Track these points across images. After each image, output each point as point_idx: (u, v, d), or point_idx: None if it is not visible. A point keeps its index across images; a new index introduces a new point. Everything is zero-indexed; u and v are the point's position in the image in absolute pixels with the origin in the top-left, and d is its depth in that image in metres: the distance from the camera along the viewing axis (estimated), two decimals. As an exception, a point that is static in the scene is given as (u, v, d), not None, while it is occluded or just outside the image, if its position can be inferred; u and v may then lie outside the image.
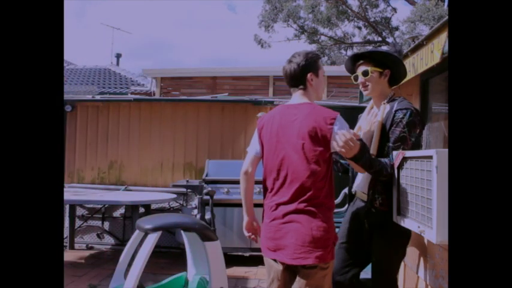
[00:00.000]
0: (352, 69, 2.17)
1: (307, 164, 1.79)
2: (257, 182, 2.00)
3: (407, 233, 2.04)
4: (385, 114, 2.02)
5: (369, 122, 2.01)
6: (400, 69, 2.10)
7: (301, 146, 1.80)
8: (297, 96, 1.93)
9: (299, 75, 1.89)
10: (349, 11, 11.89)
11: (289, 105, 1.94)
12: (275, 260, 1.86)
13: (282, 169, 1.85)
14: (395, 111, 1.97)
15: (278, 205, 1.85)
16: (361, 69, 2.07)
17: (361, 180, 2.13)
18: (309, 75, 1.89)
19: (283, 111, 1.92)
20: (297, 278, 1.83)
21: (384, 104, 2.05)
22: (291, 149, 1.82)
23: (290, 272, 1.86)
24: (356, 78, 2.11)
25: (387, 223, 1.99)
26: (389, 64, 2.06)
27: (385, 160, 1.92)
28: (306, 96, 1.91)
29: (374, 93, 2.10)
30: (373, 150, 1.96)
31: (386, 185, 1.98)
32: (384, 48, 2.28)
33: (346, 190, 3.11)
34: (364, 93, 2.12)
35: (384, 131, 1.98)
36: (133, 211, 4.44)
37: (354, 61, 2.13)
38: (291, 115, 1.87)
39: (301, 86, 1.91)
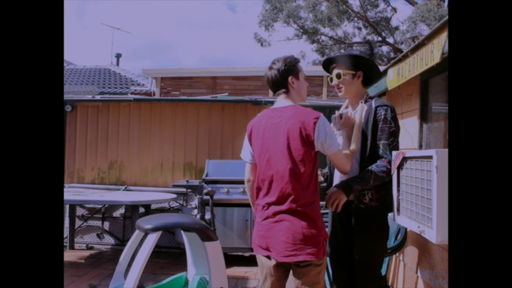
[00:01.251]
0: (329, 71, 2.26)
1: (293, 163, 1.84)
2: None
3: (387, 226, 2.11)
4: (364, 112, 2.09)
5: (345, 122, 2.07)
6: (372, 70, 2.17)
7: (287, 146, 1.86)
8: (281, 100, 1.99)
9: (280, 80, 1.96)
10: (350, 10, 11.88)
11: (274, 108, 2.01)
12: (267, 257, 1.91)
13: (268, 170, 1.92)
14: (376, 108, 2.06)
15: (269, 205, 1.90)
16: (335, 72, 2.16)
17: (339, 180, 2.13)
18: (289, 78, 1.96)
19: (268, 115, 2.00)
20: (293, 278, 1.89)
21: (362, 103, 2.13)
22: (277, 150, 1.89)
23: (283, 269, 1.91)
24: (331, 80, 2.20)
25: (375, 218, 2.04)
26: (361, 66, 2.14)
27: (371, 167, 1.98)
28: (289, 99, 1.98)
29: (349, 94, 2.19)
30: (353, 146, 2.03)
31: None
32: (357, 50, 2.35)
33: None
34: (339, 94, 2.20)
35: (366, 128, 2.05)
36: (133, 211, 4.44)
37: (330, 64, 2.23)
38: (275, 118, 1.94)
39: (283, 90, 1.98)
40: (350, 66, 2.13)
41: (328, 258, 2.20)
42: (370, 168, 1.98)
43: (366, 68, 2.15)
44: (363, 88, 2.19)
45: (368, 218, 2.03)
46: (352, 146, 2.01)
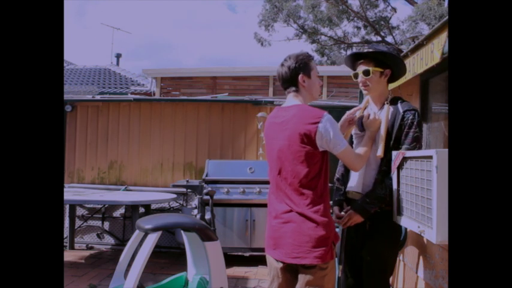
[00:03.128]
0: (352, 66, 2.17)
1: (295, 164, 1.81)
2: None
3: (401, 231, 2.10)
4: (391, 114, 2.02)
5: (371, 123, 2.02)
6: (400, 69, 2.10)
7: (288, 147, 1.83)
8: (290, 98, 1.95)
9: (290, 78, 1.91)
10: (350, 10, 11.88)
11: (280, 108, 1.97)
12: (276, 259, 1.89)
13: (275, 170, 1.90)
14: (404, 112, 1.99)
15: (277, 204, 1.88)
16: (362, 68, 2.06)
17: (356, 181, 2.11)
18: (299, 77, 1.89)
19: (275, 114, 1.97)
20: (298, 278, 1.85)
21: (387, 104, 2.06)
22: (280, 151, 1.86)
23: (291, 271, 1.87)
24: (356, 76, 2.11)
25: (390, 222, 2.01)
26: (391, 64, 2.06)
27: (385, 181, 1.97)
28: (298, 97, 1.92)
29: (374, 93, 2.11)
30: (380, 152, 1.98)
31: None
32: (384, 47, 2.25)
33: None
34: (364, 92, 2.12)
35: (392, 132, 1.99)
36: (133, 211, 4.44)
37: (355, 59, 2.13)
38: (280, 117, 1.90)
39: (293, 88, 1.92)
40: (379, 63, 2.04)
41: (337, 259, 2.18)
42: (385, 183, 1.96)
43: (394, 66, 2.06)
44: (386, 87, 2.12)
45: (383, 221, 2.00)
46: (379, 152, 1.97)
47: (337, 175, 2.28)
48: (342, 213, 2.08)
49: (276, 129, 1.90)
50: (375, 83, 2.06)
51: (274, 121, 1.93)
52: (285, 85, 1.95)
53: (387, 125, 2.00)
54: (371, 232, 2.03)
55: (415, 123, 1.96)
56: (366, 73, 2.03)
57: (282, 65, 1.93)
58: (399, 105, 2.04)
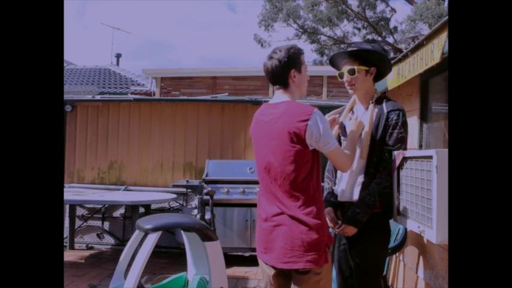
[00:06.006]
0: (338, 66, 2.14)
1: (284, 165, 1.71)
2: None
3: (389, 230, 2.08)
4: (375, 115, 2.00)
5: (356, 124, 1.99)
6: (385, 67, 2.09)
7: (276, 147, 1.73)
8: (278, 95, 1.83)
9: (281, 72, 1.77)
10: (349, 10, 11.90)
11: (267, 105, 1.86)
12: (269, 264, 1.82)
13: (263, 171, 1.81)
14: (388, 112, 1.97)
15: (267, 206, 1.80)
16: (347, 67, 2.03)
17: (345, 189, 2.08)
18: (291, 71, 1.77)
19: (262, 111, 1.86)
20: (292, 284, 1.78)
21: (372, 103, 2.04)
22: (268, 151, 1.77)
23: (284, 276, 1.81)
24: (341, 76, 2.08)
25: (379, 223, 2.00)
26: (376, 62, 2.04)
27: (372, 187, 1.94)
28: (287, 94, 1.80)
29: (360, 92, 2.08)
30: (363, 154, 1.96)
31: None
32: (368, 45, 2.21)
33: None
34: (350, 91, 2.10)
35: (376, 134, 1.98)
36: (133, 211, 4.44)
37: (340, 59, 2.11)
38: (267, 115, 1.80)
39: (282, 84, 1.80)
40: (364, 61, 2.02)
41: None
42: (372, 189, 1.94)
43: (379, 64, 2.04)
44: (372, 85, 2.09)
45: (371, 223, 1.97)
46: (361, 154, 1.96)
47: (327, 173, 2.24)
48: (338, 221, 2.05)
49: (264, 128, 1.79)
50: (360, 82, 2.03)
51: (262, 119, 1.82)
52: (274, 80, 1.81)
53: (371, 126, 1.98)
54: (360, 235, 2.00)
55: (399, 123, 1.94)
56: (351, 72, 2.01)
57: (271, 57, 1.78)
58: (384, 105, 2.01)
